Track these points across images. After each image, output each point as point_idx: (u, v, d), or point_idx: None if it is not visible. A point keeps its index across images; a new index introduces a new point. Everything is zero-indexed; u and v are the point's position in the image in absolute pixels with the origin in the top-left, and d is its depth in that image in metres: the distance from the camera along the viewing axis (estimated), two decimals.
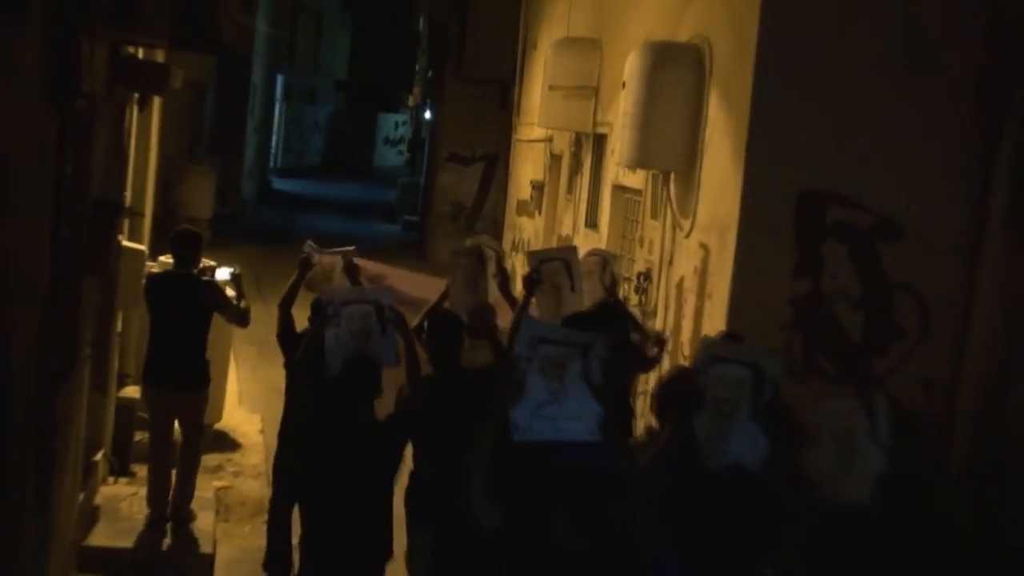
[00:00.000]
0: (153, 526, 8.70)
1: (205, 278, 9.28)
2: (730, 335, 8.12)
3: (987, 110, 9.09)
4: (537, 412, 6.26)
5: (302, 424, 7.94)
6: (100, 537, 8.56)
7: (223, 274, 11.47)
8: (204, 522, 8.97)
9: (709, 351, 6.67)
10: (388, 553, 6.95)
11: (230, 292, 9.60)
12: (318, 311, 8.39)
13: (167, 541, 8.65)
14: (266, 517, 9.02)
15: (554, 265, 9.27)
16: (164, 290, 8.75)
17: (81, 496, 8.31)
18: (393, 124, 48.48)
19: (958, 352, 9.31)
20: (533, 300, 8.95)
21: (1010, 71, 8.95)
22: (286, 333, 8.45)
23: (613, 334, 8.00)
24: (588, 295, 9.59)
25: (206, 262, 10.41)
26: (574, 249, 10.22)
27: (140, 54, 9.14)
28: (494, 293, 9.61)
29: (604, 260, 10.16)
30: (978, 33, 9.07)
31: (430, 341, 7.81)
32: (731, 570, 6.23)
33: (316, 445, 6.93)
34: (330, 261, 11.28)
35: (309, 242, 10.09)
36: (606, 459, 6.56)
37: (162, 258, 10.59)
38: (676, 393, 6.71)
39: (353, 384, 6.78)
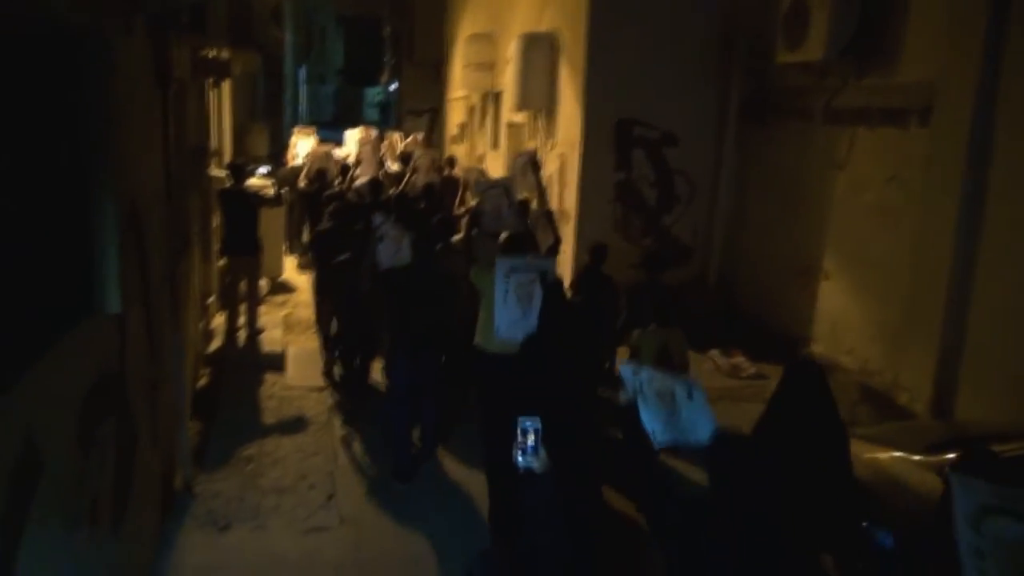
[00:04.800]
0: (230, 335, 8.61)
1: (251, 189, 8.98)
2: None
3: (724, 64, 9.07)
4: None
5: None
6: (214, 347, 8.50)
7: (262, 170, 11.29)
8: (276, 334, 8.90)
9: None
10: None
11: (269, 181, 9.55)
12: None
13: (256, 347, 8.59)
14: (314, 330, 8.99)
15: (496, 191, 7.73)
16: (227, 198, 8.53)
17: (201, 323, 8.22)
18: (373, 94, 46.97)
19: (711, 209, 9.44)
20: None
21: (735, 38, 8.93)
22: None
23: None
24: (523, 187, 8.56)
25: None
26: (512, 179, 8.52)
27: (211, 54, 8.74)
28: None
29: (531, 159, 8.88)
30: (716, 19, 9.03)
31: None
32: None
33: None
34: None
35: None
36: None
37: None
38: None
39: None
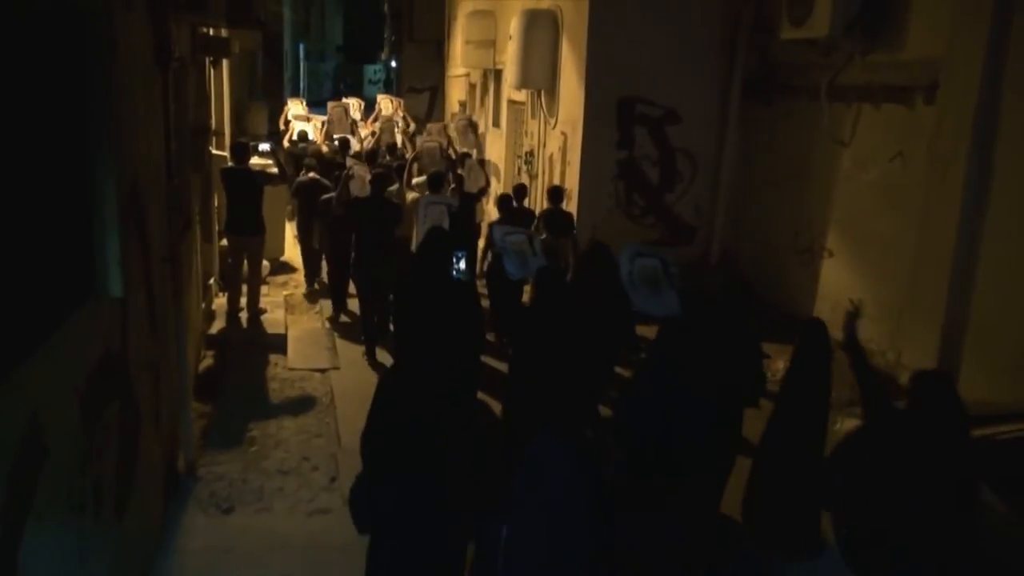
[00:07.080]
0: (231, 316, 8.60)
1: (254, 168, 8.97)
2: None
3: (727, 40, 9.01)
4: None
5: None
6: (216, 328, 8.49)
7: (265, 147, 11.29)
8: (278, 315, 8.90)
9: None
10: None
11: (270, 161, 9.64)
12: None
13: (258, 328, 8.58)
14: (315, 311, 9.04)
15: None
16: (231, 177, 8.49)
17: (203, 305, 8.21)
18: (373, 71, 46.62)
19: (714, 187, 9.41)
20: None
21: (739, 14, 8.87)
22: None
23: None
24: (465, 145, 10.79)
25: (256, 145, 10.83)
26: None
27: (210, 32, 8.67)
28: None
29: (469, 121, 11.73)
30: None
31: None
32: None
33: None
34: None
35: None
36: None
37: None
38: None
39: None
